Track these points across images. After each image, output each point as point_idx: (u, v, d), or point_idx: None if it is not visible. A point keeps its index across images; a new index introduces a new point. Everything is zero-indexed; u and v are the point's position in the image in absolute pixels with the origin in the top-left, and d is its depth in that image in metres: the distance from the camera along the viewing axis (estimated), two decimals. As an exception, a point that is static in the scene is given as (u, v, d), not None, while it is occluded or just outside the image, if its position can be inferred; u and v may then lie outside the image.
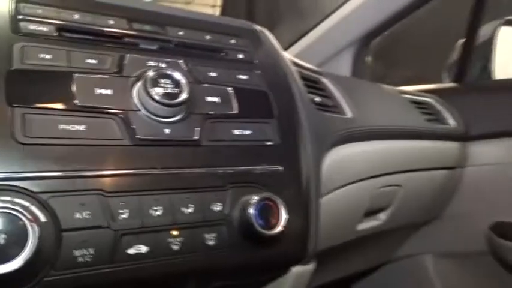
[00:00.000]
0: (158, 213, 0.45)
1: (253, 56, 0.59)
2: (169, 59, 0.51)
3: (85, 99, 0.45)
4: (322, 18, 1.14)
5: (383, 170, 0.80)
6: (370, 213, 0.83)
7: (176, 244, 0.45)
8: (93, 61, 0.47)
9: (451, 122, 0.99)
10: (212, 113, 0.51)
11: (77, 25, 0.49)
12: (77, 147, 0.43)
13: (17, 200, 0.38)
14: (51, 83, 0.44)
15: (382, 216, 0.87)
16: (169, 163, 0.47)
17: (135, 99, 0.47)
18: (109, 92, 0.46)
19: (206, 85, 0.53)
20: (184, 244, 0.46)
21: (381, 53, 1.23)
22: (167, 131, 0.47)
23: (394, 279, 1.12)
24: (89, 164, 0.43)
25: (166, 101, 0.47)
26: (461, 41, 1.12)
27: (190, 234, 0.46)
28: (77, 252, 0.40)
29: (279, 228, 0.50)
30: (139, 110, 0.47)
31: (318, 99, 0.70)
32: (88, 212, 0.41)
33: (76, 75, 0.45)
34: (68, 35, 0.48)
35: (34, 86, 0.43)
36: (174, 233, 0.45)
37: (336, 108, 0.74)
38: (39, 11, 0.48)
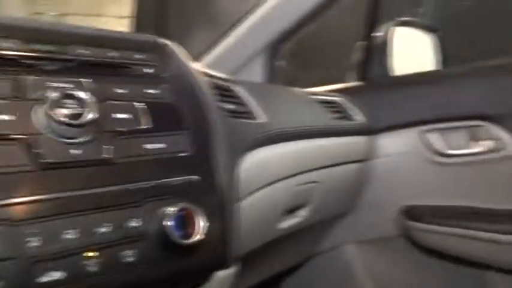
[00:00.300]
0: (72, 236, 0.44)
1: (161, 70, 0.60)
2: (72, 79, 0.51)
3: (-16, 127, 0.43)
4: (230, 27, 1.17)
5: (299, 169, 0.84)
6: (291, 211, 0.87)
7: (93, 266, 0.45)
8: None
9: (358, 118, 1.07)
10: (122, 129, 0.51)
11: None
12: None
13: None
14: None
15: (302, 213, 0.91)
16: (81, 184, 0.46)
17: (38, 123, 0.46)
18: (10, 117, 0.45)
19: (114, 102, 0.52)
20: (103, 264, 0.45)
21: (292, 56, 1.28)
22: (75, 152, 0.47)
23: (320, 271, 1.17)
24: None
25: (71, 122, 0.46)
26: (361, 42, 1.20)
27: (108, 253, 0.46)
28: None
29: (198, 237, 0.51)
30: (42, 134, 0.46)
31: (230, 106, 0.72)
32: None
33: None
34: None
35: None
36: (91, 254, 0.45)
37: (248, 114, 0.76)
38: None
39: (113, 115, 0.51)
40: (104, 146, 0.49)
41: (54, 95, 0.47)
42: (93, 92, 0.51)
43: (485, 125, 0.98)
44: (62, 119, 0.46)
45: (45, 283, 0.42)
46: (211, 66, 0.81)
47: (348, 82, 1.22)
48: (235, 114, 0.72)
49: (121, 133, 0.51)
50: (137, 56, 0.59)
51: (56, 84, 0.49)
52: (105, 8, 4.17)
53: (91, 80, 0.52)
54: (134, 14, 1.53)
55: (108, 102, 0.52)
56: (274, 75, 1.23)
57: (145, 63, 0.59)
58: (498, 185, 0.97)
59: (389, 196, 1.08)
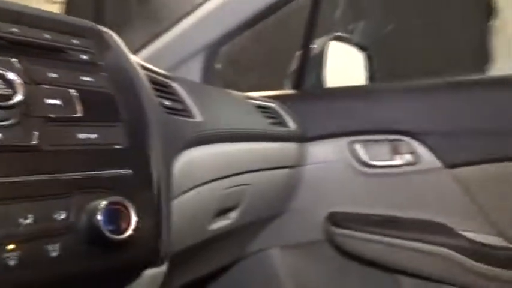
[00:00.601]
0: None
1: (99, 58, 0.57)
2: (1, 58, 0.47)
3: None
4: (171, 24, 1.15)
5: (232, 171, 0.85)
6: (221, 212, 0.87)
7: (13, 259, 0.41)
8: None
9: (291, 124, 1.09)
10: (53, 116, 0.48)
11: None
12: None
13: None
14: None
15: (233, 215, 0.91)
16: (4, 171, 0.43)
17: None
18: None
19: (45, 86, 0.49)
20: (23, 258, 0.42)
21: (230, 60, 1.29)
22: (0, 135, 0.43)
23: (247, 273, 1.18)
24: None
25: (-3, 103, 0.43)
26: (299, 51, 1.24)
27: (29, 247, 0.43)
28: None
29: (129, 232, 0.49)
30: None
31: (167, 103, 0.71)
32: None
33: None
34: None
35: None
36: (10, 247, 0.42)
37: (185, 112, 0.75)
38: None
39: (45, 100, 0.48)
40: (33, 132, 0.46)
41: (-21, 72, 0.43)
42: (23, 74, 0.47)
43: (405, 139, 1.04)
44: (-13, 99, 0.42)
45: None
46: (147, 61, 0.79)
47: (284, 90, 1.25)
48: (172, 111, 0.71)
49: (52, 119, 0.48)
50: (74, 41, 0.56)
51: None
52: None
53: (22, 61, 0.48)
54: (66, -1, 1.45)
55: (40, 86, 0.49)
56: (211, 78, 1.22)
57: (82, 49, 0.56)
58: (414, 195, 1.05)
59: (316, 202, 1.12)
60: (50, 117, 0.48)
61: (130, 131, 0.55)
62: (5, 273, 0.41)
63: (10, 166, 0.43)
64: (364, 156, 1.08)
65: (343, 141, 1.10)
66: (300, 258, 1.16)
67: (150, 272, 0.56)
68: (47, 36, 0.53)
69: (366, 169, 1.08)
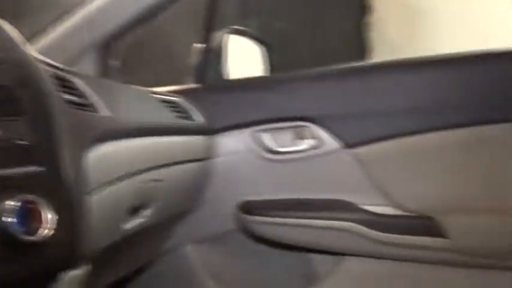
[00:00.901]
0: None
1: None
2: None
3: None
4: (62, 16, 1.07)
5: (143, 166, 0.82)
6: (135, 210, 0.84)
7: None
8: None
9: (198, 118, 1.09)
10: None
11: None
12: None
13: None
14: None
15: (147, 213, 0.89)
16: None
17: None
18: None
19: None
20: None
21: (128, 56, 1.25)
22: None
23: (163, 272, 1.16)
24: None
25: None
26: (197, 45, 1.24)
27: None
28: None
29: (43, 233, 0.46)
30: None
31: (69, 97, 0.67)
32: None
33: None
34: None
35: None
36: None
37: (89, 107, 0.71)
38: None
39: None
40: None
41: None
42: None
43: (308, 125, 1.10)
44: None
45: None
46: (41, 54, 0.73)
47: (186, 84, 1.24)
48: (75, 106, 0.67)
49: None
50: None
51: None
52: None
53: None
54: None
55: None
56: (107, 73, 1.17)
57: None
58: (319, 177, 1.11)
59: (228, 193, 1.13)
60: None
61: (34, 126, 0.51)
62: None
63: None
64: (270, 144, 1.12)
65: (249, 131, 1.12)
66: (216, 251, 1.17)
67: (67, 275, 0.53)
68: None
69: (273, 156, 1.12)
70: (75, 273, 0.54)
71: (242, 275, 1.18)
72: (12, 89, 0.51)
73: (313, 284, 1.11)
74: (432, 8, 3.01)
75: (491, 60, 1.05)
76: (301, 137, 1.12)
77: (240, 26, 1.37)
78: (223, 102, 1.17)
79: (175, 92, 1.13)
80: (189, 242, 1.15)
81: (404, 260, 1.06)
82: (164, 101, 1.01)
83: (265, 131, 1.12)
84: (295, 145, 1.12)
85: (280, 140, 1.12)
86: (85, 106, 0.70)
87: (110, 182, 0.71)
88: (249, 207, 1.12)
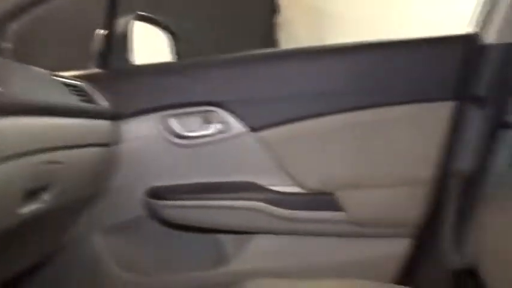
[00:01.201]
0: None
1: None
2: None
3: None
4: None
5: (38, 146, 0.79)
6: (32, 194, 0.80)
7: None
8: None
9: (102, 103, 1.06)
10: None
11: None
12: None
13: None
14: None
15: (46, 197, 0.85)
16: None
17: None
18: None
19: None
20: None
21: (23, 39, 1.17)
22: None
23: (70, 262, 1.11)
24: None
25: None
26: (100, 31, 1.20)
27: None
28: None
29: None
30: None
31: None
32: None
33: None
34: None
35: None
36: None
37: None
38: None
39: None
40: None
41: None
42: None
43: (215, 109, 1.12)
44: None
45: None
46: None
47: (89, 69, 1.20)
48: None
49: None
50: None
51: None
52: None
53: None
54: None
55: None
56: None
57: None
58: (227, 161, 1.14)
59: (136, 179, 1.12)
60: None
61: None
62: None
63: None
64: (178, 129, 1.12)
65: (156, 116, 1.12)
66: (124, 238, 1.15)
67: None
68: None
69: (181, 141, 1.12)
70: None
71: (152, 262, 1.16)
72: None
73: (223, 263, 1.13)
74: (336, 11, 3.18)
75: (387, 48, 1.14)
76: (209, 122, 1.14)
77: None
78: (129, 88, 1.15)
79: (78, 77, 1.09)
80: (96, 230, 1.12)
81: (308, 234, 1.12)
82: (66, 84, 0.98)
83: (172, 116, 1.13)
84: (203, 130, 1.13)
85: (187, 125, 1.13)
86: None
87: (1, 161, 0.67)
88: (157, 193, 1.11)
